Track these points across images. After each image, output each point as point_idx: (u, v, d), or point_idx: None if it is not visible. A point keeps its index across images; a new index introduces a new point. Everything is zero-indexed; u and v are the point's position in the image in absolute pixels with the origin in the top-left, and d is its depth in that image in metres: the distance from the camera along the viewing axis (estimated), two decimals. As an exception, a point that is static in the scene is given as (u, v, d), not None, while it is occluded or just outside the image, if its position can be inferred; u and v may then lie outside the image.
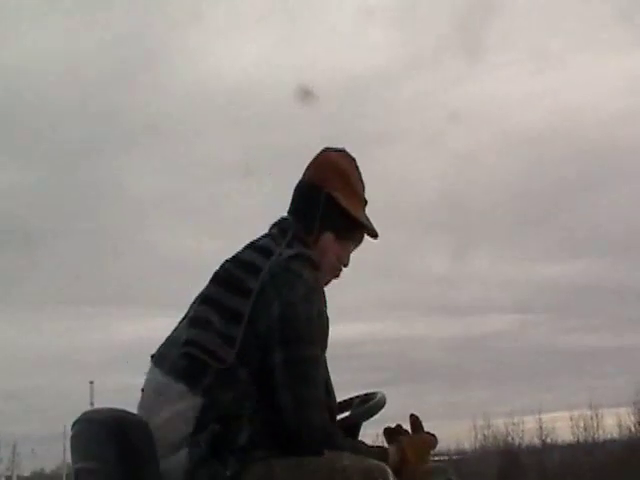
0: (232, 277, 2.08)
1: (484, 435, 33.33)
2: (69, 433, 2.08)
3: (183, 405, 1.94)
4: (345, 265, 2.26)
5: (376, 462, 2.00)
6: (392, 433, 2.26)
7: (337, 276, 2.25)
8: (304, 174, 2.27)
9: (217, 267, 2.19)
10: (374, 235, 2.27)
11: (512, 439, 32.87)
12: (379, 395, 2.29)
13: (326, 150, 2.29)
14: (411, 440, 2.21)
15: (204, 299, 2.09)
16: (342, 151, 2.29)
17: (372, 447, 2.16)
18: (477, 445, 33.48)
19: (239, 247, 2.24)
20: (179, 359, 2.01)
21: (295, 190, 2.26)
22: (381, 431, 2.31)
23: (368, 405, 2.26)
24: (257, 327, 1.99)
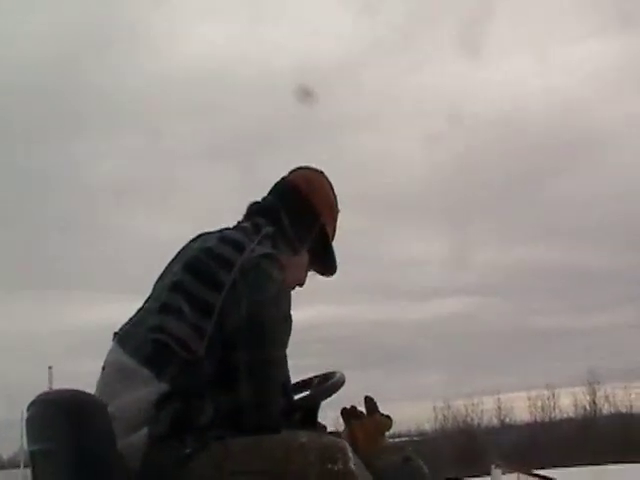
0: (204, 268, 2.09)
1: (444, 416, 33.86)
2: (25, 417, 2.06)
3: (148, 390, 1.95)
4: (301, 285, 2.34)
5: (334, 438, 2.02)
6: (349, 414, 2.29)
7: (292, 289, 2.30)
8: (299, 185, 2.33)
9: (183, 249, 2.22)
10: (333, 273, 2.41)
11: (471, 420, 33.47)
12: (338, 375, 2.31)
13: (317, 171, 2.40)
14: (362, 423, 2.25)
15: (175, 286, 2.09)
16: (323, 174, 2.40)
17: (325, 432, 2.20)
18: (437, 426, 33.99)
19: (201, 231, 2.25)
20: (147, 343, 2.02)
21: (288, 196, 2.31)
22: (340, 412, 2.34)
23: (326, 384, 2.28)
24: (225, 323, 2.02)
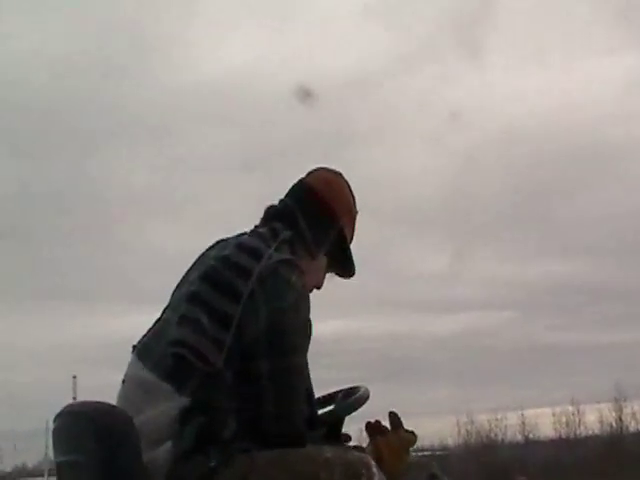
0: (221, 278, 2.07)
1: (467, 431, 33.53)
2: (51, 428, 2.07)
3: (169, 405, 1.95)
4: (319, 288, 2.32)
5: (358, 454, 2.01)
6: (373, 429, 2.28)
7: (310, 292, 2.28)
8: (316, 187, 2.28)
9: (201, 256, 2.21)
10: (352, 275, 2.37)
11: (495, 435, 33.12)
12: (362, 389, 2.29)
13: (335, 172, 2.34)
14: (387, 439, 2.23)
15: (193, 297, 2.08)
16: (341, 175, 2.35)
17: (349, 448, 2.18)
18: (460, 441, 33.68)
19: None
20: (166, 358, 2.01)
21: (306, 198, 2.27)
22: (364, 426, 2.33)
23: (351, 399, 2.27)
24: (244, 333, 2.00)
